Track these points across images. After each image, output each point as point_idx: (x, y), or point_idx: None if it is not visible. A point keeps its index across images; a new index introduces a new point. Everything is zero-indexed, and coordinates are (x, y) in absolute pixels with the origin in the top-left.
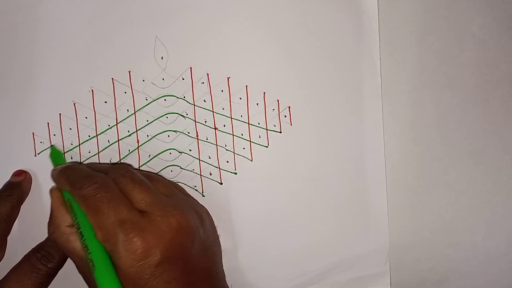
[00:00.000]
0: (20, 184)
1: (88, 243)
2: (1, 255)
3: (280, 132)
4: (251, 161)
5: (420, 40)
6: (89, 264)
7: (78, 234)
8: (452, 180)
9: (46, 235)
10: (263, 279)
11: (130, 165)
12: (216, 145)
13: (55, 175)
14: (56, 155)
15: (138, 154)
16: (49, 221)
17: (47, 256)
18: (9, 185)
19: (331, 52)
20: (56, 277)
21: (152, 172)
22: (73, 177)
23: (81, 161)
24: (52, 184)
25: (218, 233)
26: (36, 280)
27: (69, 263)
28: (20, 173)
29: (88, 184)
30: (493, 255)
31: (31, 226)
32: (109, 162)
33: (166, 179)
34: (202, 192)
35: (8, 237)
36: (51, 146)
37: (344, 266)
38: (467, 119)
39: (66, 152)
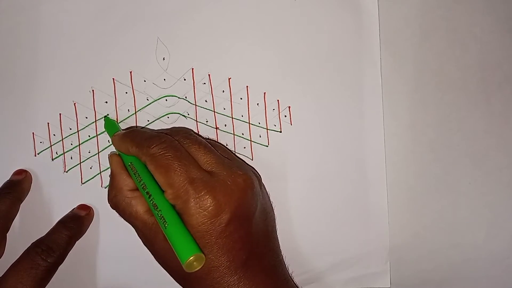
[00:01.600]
0: (20, 183)
1: (157, 201)
2: (1, 252)
3: (280, 132)
4: (252, 160)
5: (421, 41)
6: (160, 223)
7: (144, 194)
8: (453, 181)
9: (46, 234)
10: None
11: (190, 129)
12: None
13: (118, 139)
14: (110, 124)
15: None
16: (109, 186)
17: (48, 251)
18: (9, 183)
19: (331, 52)
20: (56, 276)
21: (210, 139)
22: (139, 138)
23: (81, 161)
24: (52, 184)
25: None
26: (35, 276)
27: (69, 261)
28: (20, 172)
29: (157, 143)
30: (495, 256)
31: (31, 225)
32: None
33: (223, 145)
34: None
35: (8, 236)
36: (105, 116)
37: (344, 265)
38: (468, 120)
39: (66, 152)
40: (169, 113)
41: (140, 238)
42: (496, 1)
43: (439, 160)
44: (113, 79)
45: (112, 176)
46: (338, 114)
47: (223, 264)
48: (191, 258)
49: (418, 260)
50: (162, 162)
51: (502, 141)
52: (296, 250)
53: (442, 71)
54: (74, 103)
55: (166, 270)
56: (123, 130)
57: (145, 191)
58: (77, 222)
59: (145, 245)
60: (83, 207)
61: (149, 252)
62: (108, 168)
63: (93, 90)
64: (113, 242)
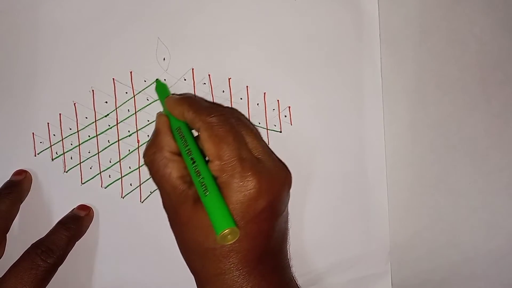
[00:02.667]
0: (20, 183)
1: (200, 169)
2: (1, 252)
3: (280, 132)
4: None
5: (421, 41)
6: (199, 190)
7: (188, 160)
8: (453, 181)
9: (45, 234)
10: None
11: (242, 113)
12: None
13: (173, 102)
14: (162, 87)
15: (138, 154)
16: (149, 143)
17: (47, 252)
18: (9, 183)
19: (331, 52)
20: (56, 277)
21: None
22: (198, 105)
23: (81, 161)
24: (52, 184)
25: None
26: (35, 277)
27: (69, 261)
28: (20, 172)
29: (216, 114)
30: (494, 255)
31: (31, 225)
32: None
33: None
34: None
35: (8, 236)
36: (156, 80)
37: (345, 266)
38: (468, 120)
39: (66, 152)
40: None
41: (164, 202)
42: (496, 1)
43: (439, 160)
44: (113, 79)
45: (156, 133)
46: (338, 114)
47: (243, 251)
48: (227, 230)
49: (418, 260)
50: (218, 132)
51: (502, 141)
52: (296, 251)
53: (442, 71)
54: (74, 103)
55: (181, 242)
56: (176, 95)
57: (190, 157)
58: (77, 222)
59: (167, 210)
60: (83, 207)
61: (149, 252)
62: (108, 168)
63: (93, 90)
64: (113, 242)
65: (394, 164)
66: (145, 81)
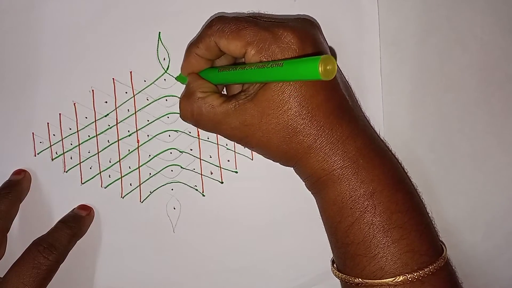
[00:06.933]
0: (19, 183)
1: (261, 64)
2: (2, 252)
3: None
4: (252, 160)
5: (421, 41)
6: (273, 74)
7: (245, 74)
8: (453, 181)
9: (47, 232)
10: (264, 279)
11: None
12: (217, 144)
13: (187, 61)
14: (180, 78)
15: (138, 154)
16: (182, 98)
17: (49, 248)
18: (8, 183)
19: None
20: (56, 277)
21: None
22: (197, 37)
23: (80, 161)
24: (52, 184)
25: None
26: (37, 276)
27: (69, 261)
28: (19, 172)
29: (214, 22)
30: (492, 255)
31: (31, 225)
32: None
33: None
34: (203, 192)
35: (9, 236)
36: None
37: None
38: (468, 120)
39: (66, 152)
40: (169, 113)
41: (233, 136)
42: (497, 1)
43: (439, 160)
44: (113, 79)
45: (186, 86)
46: None
47: (322, 103)
48: (321, 63)
49: None
50: (231, 29)
51: (502, 141)
52: (297, 251)
53: (442, 71)
54: (74, 103)
55: (268, 144)
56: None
57: (244, 69)
58: (78, 221)
59: (240, 140)
60: (84, 207)
61: (148, 252)
62: (108, 168)
63: (93, 90)
64: (113, 242)
65: None
66: (145, 81)
